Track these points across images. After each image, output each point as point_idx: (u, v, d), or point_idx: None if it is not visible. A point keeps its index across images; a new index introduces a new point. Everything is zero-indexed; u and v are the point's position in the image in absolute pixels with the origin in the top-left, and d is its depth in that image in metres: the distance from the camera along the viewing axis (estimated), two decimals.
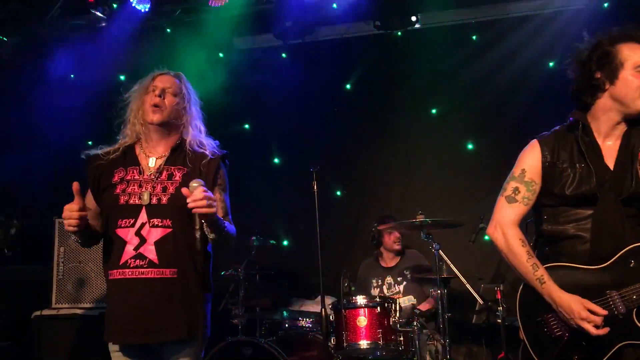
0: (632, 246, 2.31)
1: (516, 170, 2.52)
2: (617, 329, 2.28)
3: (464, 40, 5.87)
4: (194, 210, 2.38)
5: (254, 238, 5.16)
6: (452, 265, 4.29)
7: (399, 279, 5.16)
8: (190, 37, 5.99)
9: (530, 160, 2.49)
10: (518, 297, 2.52)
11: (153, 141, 2.72)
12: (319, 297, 4.81)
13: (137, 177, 2.66)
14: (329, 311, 4.19)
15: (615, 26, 2.44)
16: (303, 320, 4.77)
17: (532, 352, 2.45)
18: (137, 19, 5.87)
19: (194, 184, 2.41)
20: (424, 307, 4.87)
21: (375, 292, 5.17)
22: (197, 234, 2.41)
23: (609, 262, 2.33)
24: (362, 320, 3.96)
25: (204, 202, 2.36)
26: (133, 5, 5.74)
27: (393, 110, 6.07)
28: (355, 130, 6.19)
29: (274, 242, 5.42)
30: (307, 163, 3.64)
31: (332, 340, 4.12)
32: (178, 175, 2.66)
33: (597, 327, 2.26)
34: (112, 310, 2.60)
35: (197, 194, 2.36)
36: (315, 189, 3.39)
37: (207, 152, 2.72)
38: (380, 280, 5.22)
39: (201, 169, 2.66)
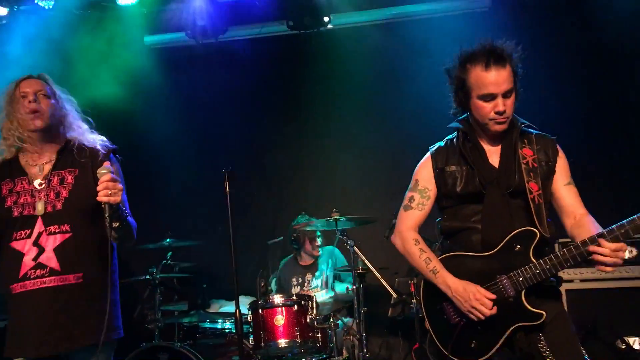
0: (515, 231, 2.49)
1: (412, 182, 2.76)
2: (509, 312, 2.44)
3: (376, 41, 5.98)
4: (100, 198, 2.32)
5: (169, 240, 5.06)
6: (366, 261, 4.39)
7: (317, 273, 5.24)
8: (98, 35, 5.79)
9: (423, 171, 2.73)
10: (421, 288, 2.69)
11: (37, 148, 2.63)
12: (239, 298, 4.80)
13: (27, 187, 2.57)
14: (245, 312, 4.21)
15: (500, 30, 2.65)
16: (221, 322, 4.74)
17: (435, 340, 2.59)
18: (41, 16, 5.62)
19: (102, 170, 2.36)
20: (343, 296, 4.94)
21: (296, 290, 5.23)
22: (108, 223, 2.34)
23: (497, 248, 2.51)
24: (280, 319, 3.98)
25: (115, 188, 2.32)
26: (36, 2, 5.49)
27: (308, 109, 6.11)
28: (269, 130, 6.18)
29: (191, 244, 5.33)
30: (221, 163, 3.60)
31: (251, 341, 4.11)
32: (70, 178, 2.59)
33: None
34: (18, 324, 2.50)
35: (105, 179, 2.33)
36: (227, 189, 3.35)
37: (96, 148, 2.66)
38: (300, 279, 5.28)
39: (93, 166, 2.59)
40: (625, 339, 4.26)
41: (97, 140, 2.72)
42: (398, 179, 5.48)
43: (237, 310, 3.17)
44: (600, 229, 2.36)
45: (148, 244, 5.00)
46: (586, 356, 2.45)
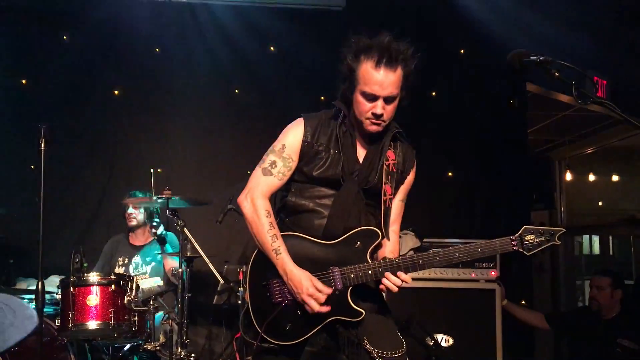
0: (361, 228, 2.49)
1: (277, 145, 2.58)
2: (331, 304, 2.43)
3: (227, 22, 5.78)
4: None
5: None
6: (195, 244, 4.21)
7: (147, 259, 4.94)
8: None
9: (292, 137, 2.56)
10: (252, 260, 2.57)
11: None
12: (51, 277, 4.38)
13: None
14: (55, 289, 3.86)
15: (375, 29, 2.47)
16: (27, 301, 4.25)
17: (251, 314, 2.51)
18: None
19: None
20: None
21: (119, 270, 4.87)
22: None
23: (338, 239, 2.49)
24: (93, 299, 3.69)
25: None
26: None
27: (150, 82, 5.75)
28: (104, 97, 5.70)
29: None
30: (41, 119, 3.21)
31: (57, 321, 3.76)
32: None
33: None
34: None
35: None
36: (42, 147, 2.96)
37: None
38: (127, 259, 4.95)
39: None
40: (435, 336, 4.53)
41: None
42: (237, 166, 5.41)
43: (39, 283, 2.81)
44: (396, 248, 2.58)
45: None
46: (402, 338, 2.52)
